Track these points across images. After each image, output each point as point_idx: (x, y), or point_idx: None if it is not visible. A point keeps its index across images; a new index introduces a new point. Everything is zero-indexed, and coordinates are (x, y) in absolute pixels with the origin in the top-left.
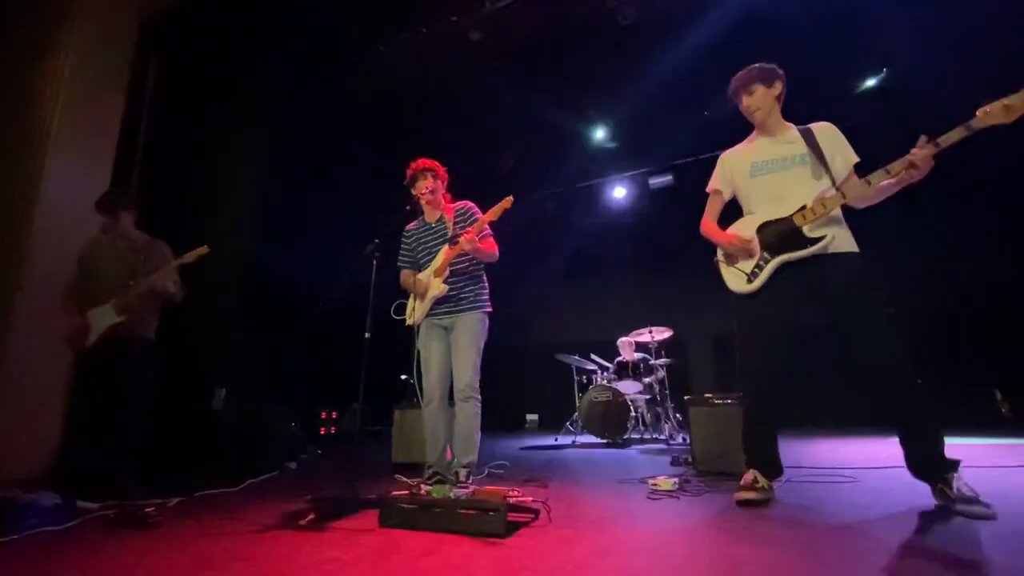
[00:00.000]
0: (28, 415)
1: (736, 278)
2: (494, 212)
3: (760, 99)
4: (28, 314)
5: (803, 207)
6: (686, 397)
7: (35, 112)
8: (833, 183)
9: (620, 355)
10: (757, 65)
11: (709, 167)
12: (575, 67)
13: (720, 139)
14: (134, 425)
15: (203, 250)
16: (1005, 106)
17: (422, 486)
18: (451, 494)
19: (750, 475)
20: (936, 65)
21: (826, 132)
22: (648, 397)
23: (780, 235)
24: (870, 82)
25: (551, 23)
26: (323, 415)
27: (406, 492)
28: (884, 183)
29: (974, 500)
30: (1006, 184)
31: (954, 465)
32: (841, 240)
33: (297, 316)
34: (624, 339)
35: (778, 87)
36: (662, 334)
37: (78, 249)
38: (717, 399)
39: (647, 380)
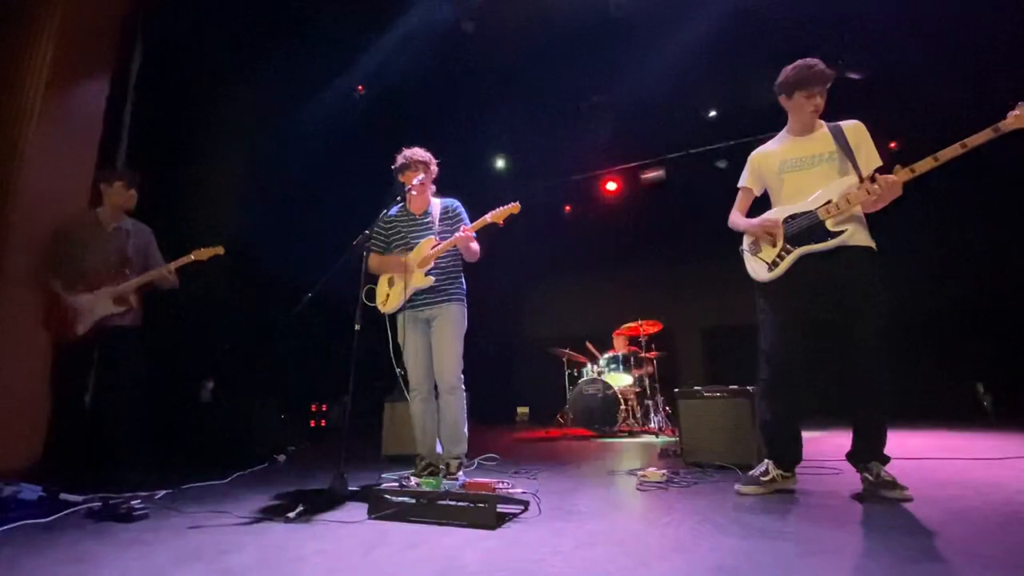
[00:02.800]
0: (11, 407)
1: (759, 266)
2: (499, 214)
3: (823, 100)
4: (10, 304)
5: (828, 201)
6: (675, 389)
7: (15, 101)
8: (860, 180)
9: (612, 348)
10: (825, 65)
11: (700, 161)
12: (568, 58)
13: (713, 134)
14: (134, 413)
15: (219, 250)
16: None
17: (412, 478)
18: (441, 486)
19: (762, 466)
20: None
21: (855, 131)
22: (638, 389)
23: (804, 227)
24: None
25: (544, 13)
26: (313, 407)
27: (395, 484)
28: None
29: (892, 484)
30: (993, 184)
31: (886, 460)
32: (860, 235)
33: (286, 307)
34: (618, 332)
35: None
36: (652, 327)
37: (57, 225)
38: (706, 392)
39: (637, 373)
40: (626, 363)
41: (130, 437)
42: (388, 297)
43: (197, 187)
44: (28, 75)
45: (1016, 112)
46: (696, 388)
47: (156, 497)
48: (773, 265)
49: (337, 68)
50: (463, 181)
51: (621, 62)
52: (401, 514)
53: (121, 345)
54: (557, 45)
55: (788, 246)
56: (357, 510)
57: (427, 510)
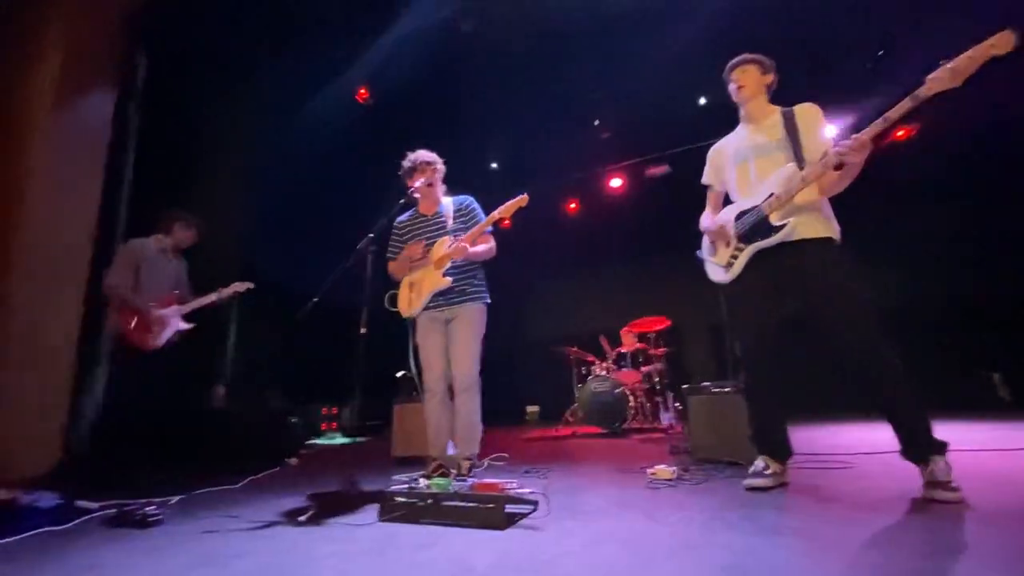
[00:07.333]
0: (30, 417)
1: (715, 269)
2: (507, 209)
3: (750, 77)
4: (28, 315)
5: (772, 194)
6: (684, 386)
7: (23, 113)
8: (800, 168)
9: (621, 345)
10: (759, 54)
11: (705, 155)
12: (569, 56)
13: (717, 127)
14: (158, 420)
15: (251, 286)
16: (951, 70)
17: (422, 479)
18: (450, 487)
19: (760, 462)
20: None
21: (805, 114)
22: (647, 387)
23: (752, 224)
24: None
25: (543, 12)
26: (323, 411)
27: (405, 486)
28: (834, 174)
29: (942, 484)
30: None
31: (940, 447)
32: (809, 227)
33: (294, 312)
34: (625, 329)
35: (770, 77)
36: (660, 324)
37: (133, 249)
38: (715, 387)
39: (646, 370)
40: (635, 360)
41: (152, 443)
42: (410, 301)
43: (204, 193)
44: (35, 89)
45: (933, 76)
46: (705, 384)
47: (170, 503)
48: (728, 266)
49: (340, 71)
50: (467, 180)
51: (623, 56)
52: (411, 516)
53: (173, 359)
54: (558, 41)
55: (740, 244)
56: (368, 512)
57: (437, 511)
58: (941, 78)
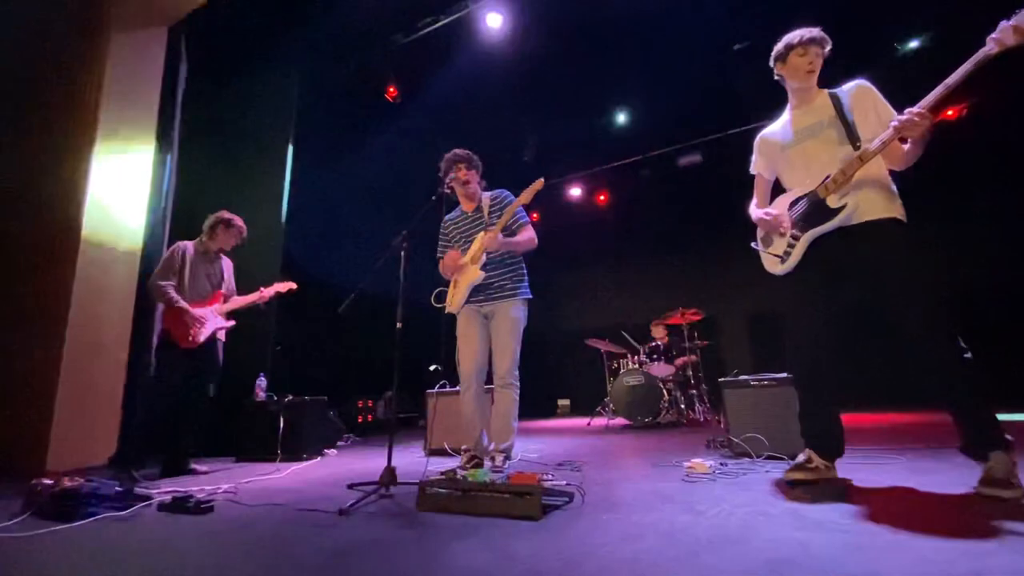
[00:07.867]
0: (90, 409)
1: (771, 261)
2: (526, 195)
3: (819, 60)
4: (85, 313)
5: (827, 177)
6: (720, 379)
7: (80, 119)
8: (855, 147)
9: (652, 338)
10: (819, 29)
11: (737, 144)
12: (599, 47)
13: (747, 115)
14: (204, 411)
15: (294, 286)
16: (1014, 27)
17: (458, 470)
18: (486, 478)
19: (804, 455)
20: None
21: (856, 92)
22: (681, 380)
23: (807, 209)
24: (912, 44)
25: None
26: (360, 403)
27: (442, 477)
28: (902, 147)
29: (999, 481)
30: None
31: (1003, 444)
32: (871, 207)
33: (332, 307)
34: (656, 322)
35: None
36: (694, 316)
37: (177, 250)
38: (752, 380)
39: (680, 363)
40: (667, 353)
41: (196, 431)
42: (453, 297)
43: (246, 192)
44: (88, 95)
45: (994, 35)
46: (742, 377)
47: (219, 490)
48: (784, 257)
49: (373, 72)
50: (496, 175)
51: (655, 44)
52: (448, 506)
53: (217, 353)
54: (586, 34)
55: (796, 233)
56: (405, 502)
57: (473, 502)
58: (1003, 38)
